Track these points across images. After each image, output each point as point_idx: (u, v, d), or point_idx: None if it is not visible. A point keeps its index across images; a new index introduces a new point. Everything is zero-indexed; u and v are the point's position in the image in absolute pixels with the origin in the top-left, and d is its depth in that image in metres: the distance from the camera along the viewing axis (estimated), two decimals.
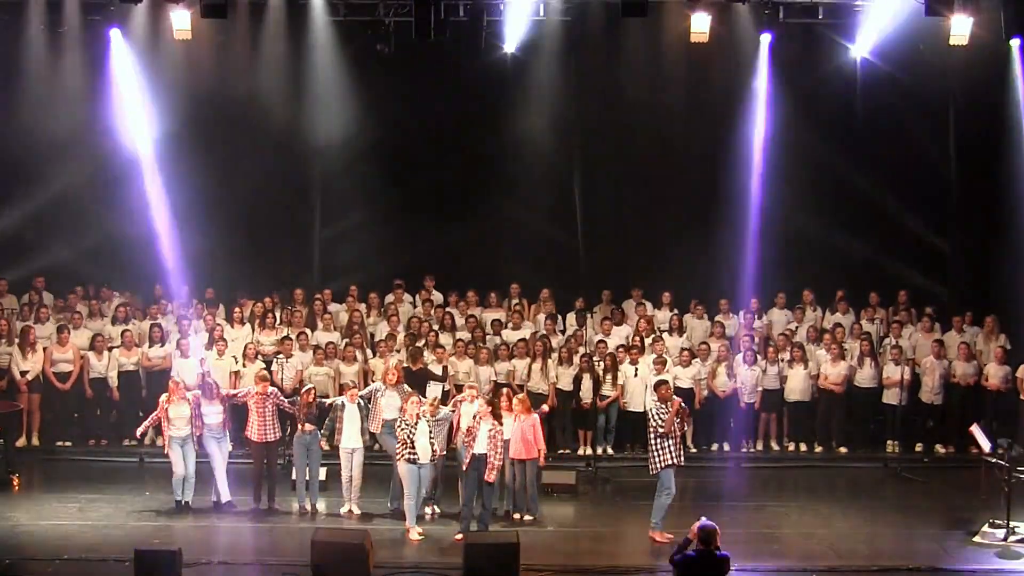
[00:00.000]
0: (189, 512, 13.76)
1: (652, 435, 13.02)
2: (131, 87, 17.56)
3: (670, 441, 12.95)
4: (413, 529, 12.98)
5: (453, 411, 13.70)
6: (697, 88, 18.31)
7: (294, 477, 14.11)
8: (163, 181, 17.91)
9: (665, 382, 13.58)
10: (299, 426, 13.97)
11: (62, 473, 15.58)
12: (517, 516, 13.67)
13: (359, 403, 13.91)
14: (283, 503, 14.04)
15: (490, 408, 13.36)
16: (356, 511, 13.79)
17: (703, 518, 9.87)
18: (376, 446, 14.59)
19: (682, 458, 13.12)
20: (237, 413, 14.61)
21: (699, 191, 18.33)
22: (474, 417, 13.25)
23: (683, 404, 13.21)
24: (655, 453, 12.99)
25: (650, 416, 13.18)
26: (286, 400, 14.17)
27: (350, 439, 13.76)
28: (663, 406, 13.01)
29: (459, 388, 14.93)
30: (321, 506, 13.94)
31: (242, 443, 14.60)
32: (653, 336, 17.02)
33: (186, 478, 13.82)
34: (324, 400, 14.22)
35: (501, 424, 13.42)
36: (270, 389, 14.09)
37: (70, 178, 17.91)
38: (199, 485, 14.02)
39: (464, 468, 13.12)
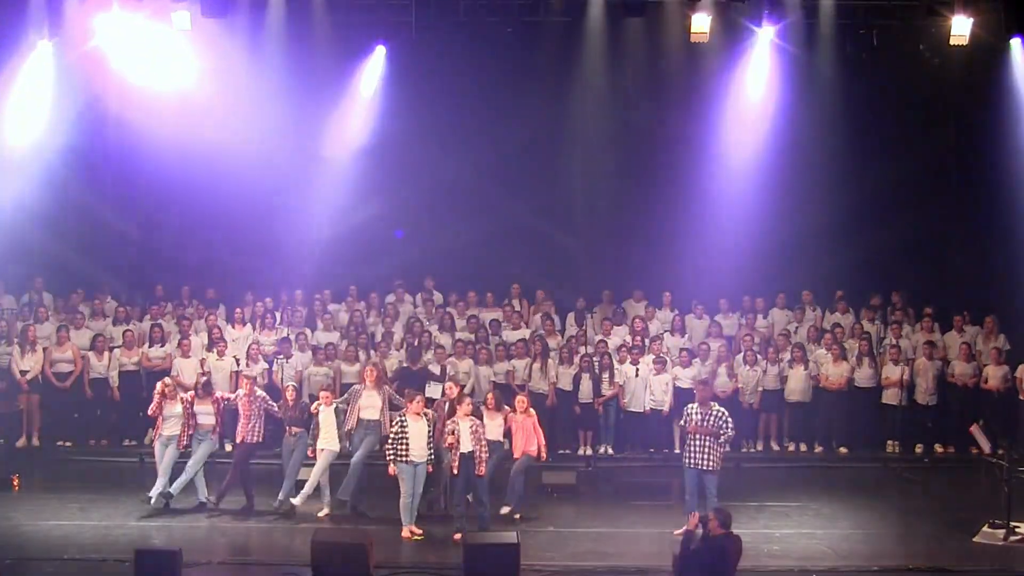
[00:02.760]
0: (189, 512, 13.74)
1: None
2: (129, 86, 17.60)
3: (692, 441, 13.09)
4: (407, 527, 12.99)
5: (436, 412, 13.73)
6: (697, 87, 18.31)
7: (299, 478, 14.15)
8: (164, 181, 17.95)
9: (705, 383, 13.76)
10: (287, 429, 13.93)
11: (62, 473, 15.59)
12: (505, 511, 13.67)
13: (336, 406, 13.87)
14: (263, 503, 13.98)
15: (469, 406, 13.40)
16: (325, 510, 13.78)
17: (694, 511, 9.98)
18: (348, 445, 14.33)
19: (690, 462, 13.13)
20: (232, 414, 14.57)
21: (699, 190, 18.32)
22: (452, 419, 13.27)
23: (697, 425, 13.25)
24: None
25: (686, 414, 13.27)
26: (274, 405, 14.11)
27: (325, 441, 13.72)
28: (696, 407, 13.16)
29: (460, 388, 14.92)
30: (312, 507, 13.88)
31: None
32: (653, 336, 17.06)
33: (163, 472, 13.73)
34: (306, 404, 14.12)
35: (481, 421, 13.48)
36: (257, 392, 14.08)
37: (72, 177, 17.93)
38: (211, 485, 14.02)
39: (454, 470, 13.11)
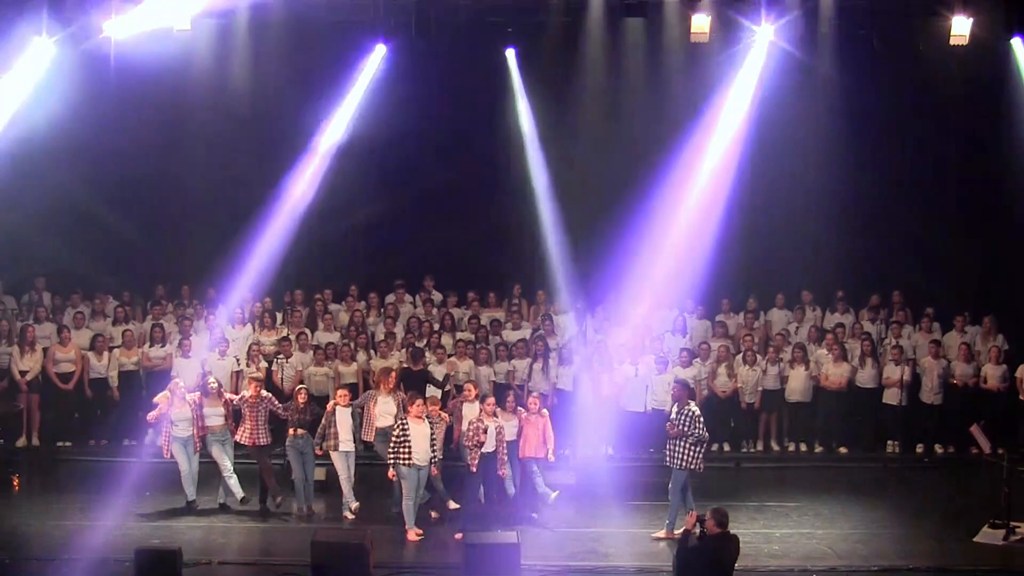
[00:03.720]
0: (189, 512, 13.75)
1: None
2: (131, 85, 17.57)
3: (669, 441, 13.14)
4: (412, 531, 12.99)
5: (452, 414, 13.80)
6: (697, 87, 18.29)
7: (293, 478, 14.12)
8: (165, 181, 17.94)
9: (682, 383, 13.76)
10: (290, 430, 13.87)
11: (62, 473, 15.59)
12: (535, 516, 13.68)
13: (352, 410, 13.85)
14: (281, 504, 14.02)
15: (492, 406, 13.41)
16: (350, 514, 13.76)
17: (692, 510, 9.98)
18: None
19: (667, 460, 13.26)
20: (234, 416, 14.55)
21: (699, 190, 18.29)
22: (479, 417, 13.29)
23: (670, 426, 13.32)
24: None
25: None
26: (280, 406, 14.09)
27: (342, 442, 13.70)
28: (675, 406, 13.25)
29: (459, 389, 14.92)
30: (319, 507, 13.93)
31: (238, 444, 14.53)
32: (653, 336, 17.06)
33: (191, 475, 13.80)
34: (317, 409, 14.07)
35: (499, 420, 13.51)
36: (263, 393, 14.06)
37: (72, 177, 17.91)
38: (202, 486, 13.99)
39: (473, 468, 13.13)
